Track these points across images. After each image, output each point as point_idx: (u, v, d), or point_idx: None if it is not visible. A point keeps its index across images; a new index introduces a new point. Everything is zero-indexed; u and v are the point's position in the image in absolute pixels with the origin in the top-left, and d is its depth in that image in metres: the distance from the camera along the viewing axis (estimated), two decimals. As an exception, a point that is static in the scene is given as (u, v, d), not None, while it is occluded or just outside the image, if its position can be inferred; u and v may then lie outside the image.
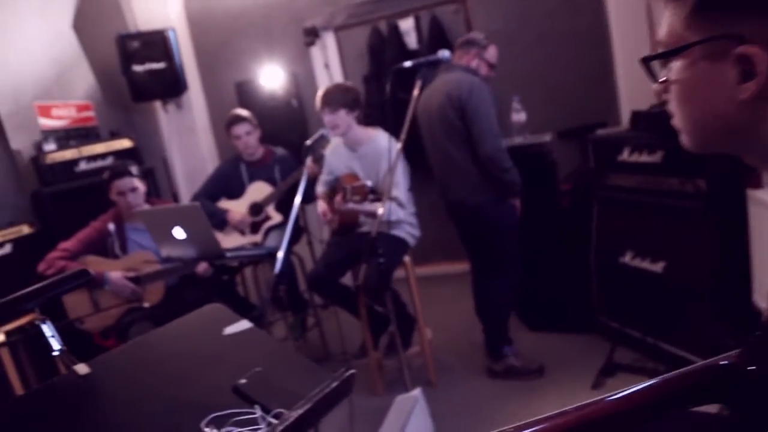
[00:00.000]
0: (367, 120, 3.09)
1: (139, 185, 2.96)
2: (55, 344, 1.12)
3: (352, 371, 1.09)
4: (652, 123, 2.52)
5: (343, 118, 2.86)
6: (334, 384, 1.04)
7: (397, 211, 2.82)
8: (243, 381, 1.04)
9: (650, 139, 2.47)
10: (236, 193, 3.46)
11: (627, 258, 2.63)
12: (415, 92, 2.43)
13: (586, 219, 2.86)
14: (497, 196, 2.67)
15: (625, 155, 2.61)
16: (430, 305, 3.48)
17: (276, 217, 3.41)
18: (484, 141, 2.57)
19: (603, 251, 2.79)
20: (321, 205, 2.99)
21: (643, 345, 2.58)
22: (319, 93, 2.90)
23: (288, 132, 4.30)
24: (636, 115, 2.66)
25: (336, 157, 3.05)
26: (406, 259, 2.95)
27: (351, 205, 2.68)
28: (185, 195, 4.39)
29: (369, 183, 2.48)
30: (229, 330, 1.29)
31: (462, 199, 2.73)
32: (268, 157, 3.51)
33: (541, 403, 2.53)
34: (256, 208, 3.41)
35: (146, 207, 2.98)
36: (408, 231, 2.97)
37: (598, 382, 2.58)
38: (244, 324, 1.31)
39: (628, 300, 2.64)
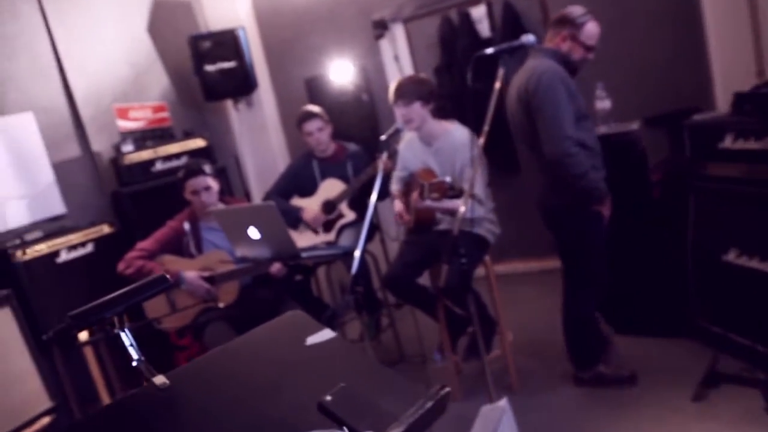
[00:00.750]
0: (441, 112, 3.05)
1: (213, 184, 2.97)
2: (134, 354, 1.10)
3: (447, 389, 1.02)
4: (759, 106, 2.34)
5: (418, 111, 2.82)
6: (429, 404, 0.96)
7: (477, 208, 2.78)
8: (329, 398, 0.96)
9: (758, 123, 2.31)
10: (308, 190, 3.48)
11: (731, 256, 2.46)
12: (497, 83, 2.32)
13: (679, 212, 2.72)
14: (576, 200, 2.49)
15: (727, 142, 2.45)
16: (509, 306, 3.42)
17: (349, 215, 3.41)
18: (547, 142, 2.40)
19: (702, 248, 2.62)
20: (398, 206, 2.97)
21: (752, 353, 2.39)
22: (392, 86, 2.87)
23: (359, 127, 4.30)
24: (740, 98, 2.48)
25: (410, 152, 3.02)
26: (486, 257, 2.91)
27: (429, 203, 2.63)
28: (257, 193, 4.43)
29: (448, 179, 2.40)
30: (312, 340, 1.21)
31: (541, 200, 2.63)
32: (340, 153, 3.52)
33: (637, 416, 2.39)
34: (329, 206, 3.42)
35: (220, 206, 2.99)
36: (488, 228, 2.92)
37: (699, 393, 2.44)
38: (326, 333, 1.23)
39: (733, 303, 2.46)
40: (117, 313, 1.07)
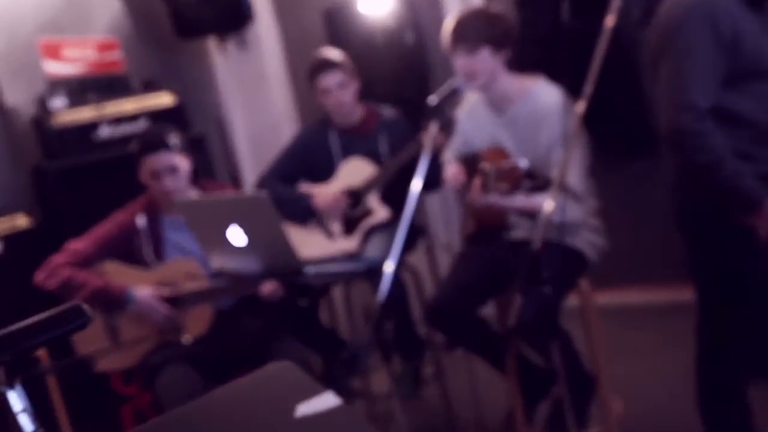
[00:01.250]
0: (521, 65, 3.12)
1: (182, 162, 3.04)
2: (27, 425, 1.04)
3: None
4: None
5: (486, 61, 2.91)
6: None
7: (573, 208, 2.79)
8: None
9: None
10: (323, 173, 3.60)
11: None
12: (609, 18, 2.28)
13: None
14: (714, 205, 2.41)
15: None
16: (617, 357, 3.42)
17: (381, 213, 3.48)
18: (663, 110, 2.37)
19: None
20: (451, 169, 3.07)
21: None
22: (449, 24, 2.94)
23: (400, 83, 4.34)
24: None
25: (473, 122, 3.11)
26: (582, 282, 2.96)
27: (496, 198, 2.70)
28: (250, 175, 4.51)
29: (523, 162, 2.47)
30: (305, 409, 1.18)
31: (674, 197, 2.58)
32: (370, 120, 3.63)
33: None
34: (353, 198, 3.54)
35: (192, 194, 3.08)
36: (587, 239, 2.96)
37: None
38: (327, 400, 1.20)
39: None
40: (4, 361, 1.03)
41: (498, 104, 3.03)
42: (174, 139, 3.06)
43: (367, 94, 3.77)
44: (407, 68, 4.40)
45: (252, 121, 4.67)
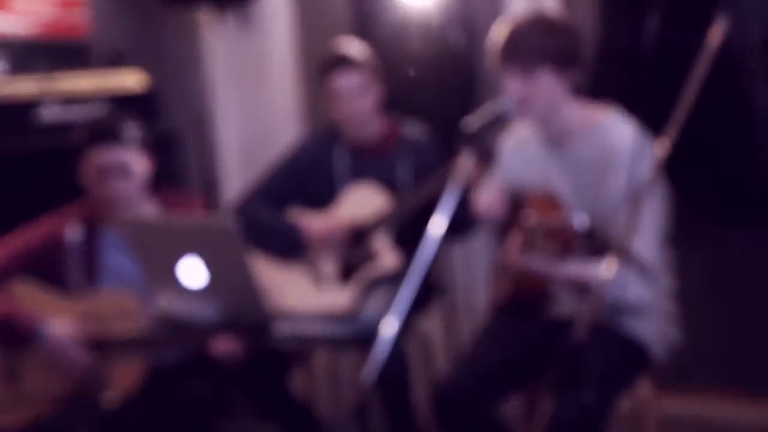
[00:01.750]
0: (595, 90, 3.21)
1: (138, 162, 3.06)
2: None
3: None
4: None
5: (545, 85, 2.89)
6: None
7: (638, 285, 2.70)
8: None
9: None
10: (323, 199, 3.64)
11: None
12: (713, 34, 2.28)
13: None
14: None
15: None
16: None
17: (389, 260, 3.48)
18: None
19: None
20: (487, 197, 3.08)
21: None
22: (498, 32, 2.91)
23: (439, 95, 4.36)
24: None
25: (522, 159, 3.12)
26: (642, 382, 2.95)
27: (539, 263, 2.74)
28: (232, 188, 4.50)
29: (580, 219, 2.43)
30: None
31: None
32: (390, 138, 3.66)
33: None
34: (357, 235, 3.55)
35: (147, 208, 3.11)
36: (654, 327, 2.90)
37: None
38: None
39: None
40: None
41: (556, 139, 3.01)
42: (133, 131, 3.08)
43: (392, 105, 3.78)
44: (450, 76, 4.40)
45: (244, 120, 4.70)
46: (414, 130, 3.70)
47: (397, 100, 3.90)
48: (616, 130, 2.92)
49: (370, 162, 3.63)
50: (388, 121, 3.70)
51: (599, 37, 4.17)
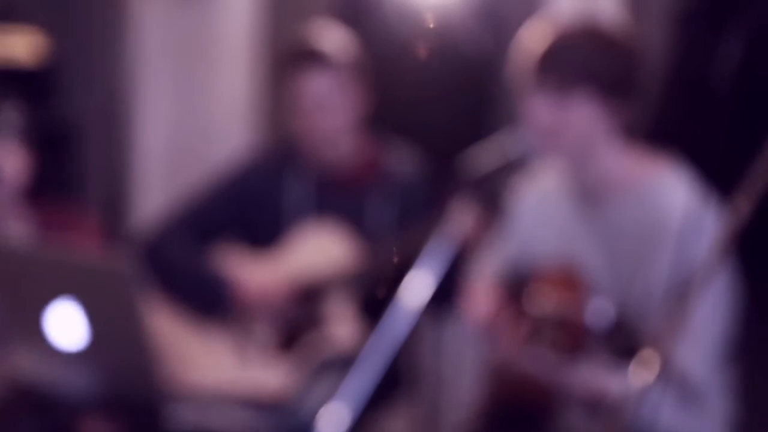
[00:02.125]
0: (653, 133, 3.21)
1: (7, 161, 3.00)
2: None
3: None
4: None
5: (584, 115, 2.82)
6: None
7: (681, 409, 2.65)
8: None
9: None
10: (267, 237, 3.54)
11: None
12: None
13: None
14: None
15: None
16: None
17: (347, 332, 3.39)
18: None
19: None
20: (478, 290, 3.10)
21: None
22: (532, 37, 2.86)
23: (440, 114, 4.38)
24: None
25: (542, 217, 3.06)
26: None
27: (544, 362, 2.66)
28: (149, 204, 4.49)
29: (604, 307, 2.52)
30: None
31: None
32: (368, 168, 3.59)
33: None
34: (308, 294, 3.46)
35: (15, 228, 3.07)
36: None
37: None
38: None
39: None
40: None
41: (588, 194, 2.93)
42: (8, 115, 3.06)
43: (379, 121, 3.68)
44: (459, 92, 4.44)
45: (175, 117, 4.60)
46: (402, 160, 3.61)
47: (387, 115, 3.80)
48: (668, 192, 2.84)
49: (336, 197, 3.53)
50: (369, 143, 3.61)
51: (666, 65, 4.17)
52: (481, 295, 3.07)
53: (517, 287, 2.96)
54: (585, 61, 2.81)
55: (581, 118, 2.80)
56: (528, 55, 2.84)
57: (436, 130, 4.30)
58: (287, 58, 3.57)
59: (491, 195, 2.99)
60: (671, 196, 2.82)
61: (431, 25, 4.52)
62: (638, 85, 2.89)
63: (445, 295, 3.00)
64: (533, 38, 2.87)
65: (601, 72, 2.80)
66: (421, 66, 4.43)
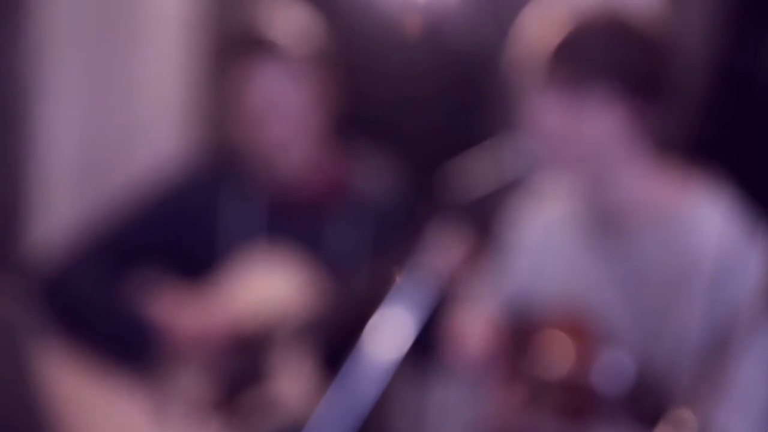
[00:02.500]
0: (692, 147, 3.35)
1: None
2: None
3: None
4: None
5: (602, 120, 2.81)
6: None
7: None
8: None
9: None
10: (202, 268, 3.51)
11: None
12: None
13: None
14: None
15: None
16: None
17: (297, 390, 3.36)
18: None
19: None
20: (474, 327, 3.04)
21: None
22: (543, 26, 2.85)
23: (425, 119, 4.48)
24: None
25: (549, 249, 3.03)
26: None
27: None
28: (50, 230, 4.39)
29: (621, 361, 2.54)
30: None
31: None
32: (331, 185, 3.59)
33: None
34: (250, 341, 3.43)
35: None
36: None
37: None
38: None
39: None
40: None
41: (606, 222, 2.89)
42: None
43: (350, 129, 3.70)
44: (451, 90, 4.48)
45: (87, 114, 4.56)
46: (374, 175, 3.59)
47: (359, 120, 3.92)
48: (704, 224, 2.80)
49: (290, 220, 3.50)
50: (334, 155, 3.59)
51: (709, 63, 4.18)
52: (473, 341, 2.99)
53: (516, 333, 2.91)
54: (607, 55, 2.78)
55: (600, 123, 2.76)
56: (537, 45, 2.80)
57: (419, 139, 4.37)
58: (232, 46, 3.56)
59: (484, 219, 3.02)
60: (708, 229, 2.78)
61: (417, 11, 4.49)
62: (670, 86, 2.86)
63: (428, 345, 2.98)
64: (543, 25, 2.83)
65: (626, 68, 2.77)
66: (402, 59, 4.59)
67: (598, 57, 2.78)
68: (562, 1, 3.10)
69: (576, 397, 2.52)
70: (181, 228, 3.52)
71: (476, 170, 2.84)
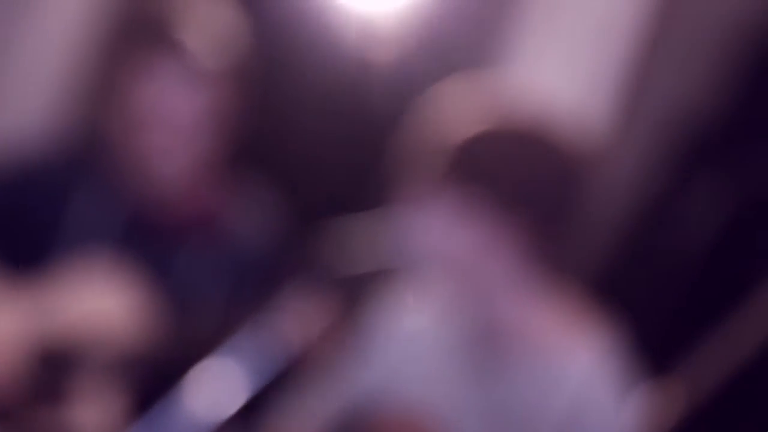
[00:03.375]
0: (591, 283, 3.36)
1: None
2: None
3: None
4: None
5: (493, 241, 2.81)
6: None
7: None
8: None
9: None
10: (26, 263, 3.33)
11: None
12: None
13: None
14: None
15: None
16: None
17: (95, 419, 3.20)
18: None
19: None
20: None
21: None
22: (444, 124, 2.80)
23: (329, 161, 4.55)
24: None
25: (418, 348, 2.95)
26: None
27: None
28: None
29: None
30: None
31: None
32: (200, 210, 3.47)
33: None
34: (57, 356, 3.24)
35: None
36: None
37: None
38: None
39: None
40: None
41: (480, 340, 2.81)
42: None
43: (240, 153, 3.60)
44: (366, 151, 4.41)
45: None
46: (251, 211, 3.46)
47: (252, 144, 3.76)
48: (584, 371, 2.77)
49: (143, 236, 3.34)
50: (215, 181, 3.46)
51: (638, 204, 4.29)
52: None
53: None
54: (509, 167, 2.71)
55: (489, 236, 2.68)
56: (439, 135, 2.74)
57: (310, 190, 4.31)
58: (135, 35, 3.44)
59: (353, 299, 2.96)
60: (588, 376, 2.72)
61: (351, 56, 4.53)
62: (577, 214, 2.81)
63: (254, 415, 2.90)
64: (453, 114, 2.78)
65: (528, 185, 2.72)
66: (318, 103, 4.54)
67: (499, 167, 2.71)
68: (482, 91, 3.00)
69: None
70: (21, 208, 3.31)
71: (360, 240, 2.86)
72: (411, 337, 2.87)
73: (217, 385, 2.62)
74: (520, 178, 2.70)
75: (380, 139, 4.20)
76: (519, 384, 2.72)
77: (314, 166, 4.51)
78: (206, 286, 3.34)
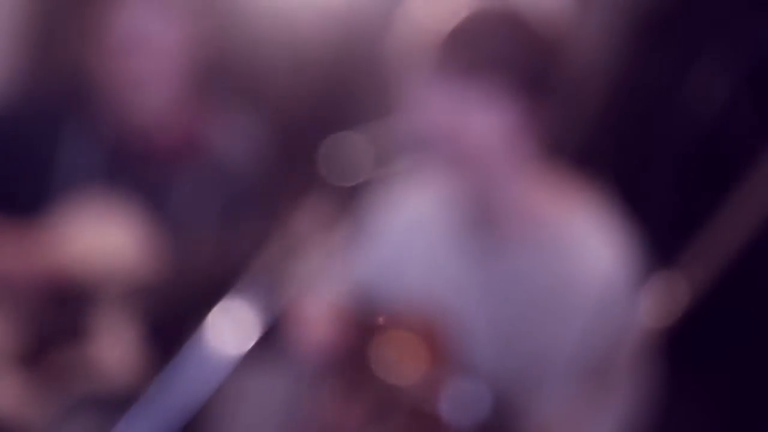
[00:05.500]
0: (585, 156, 3.38)
1: None
2: None
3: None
4: None
5: (492, 117, 2.79)
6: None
7: None
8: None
9: None
10: (26, 206, 3.39)
11: None
12: None
13: None
14: None
15: None
16: None
17: (118, 357, 3.27)
18: None
19: None
20: (314, 318, 2.99)
21: None
22: (431, 16, 2.85)
23: (307, 80, 4.53)
24: None
25: (419, 236, 3.00)
26: None
27: None
28: None
29: (478, 389, 2.53)
30: None
31: None
32: (186, 136, 3.50)
33: None
34: (74, 294, 3.31)
35: None
36: None
37: None
38: None
39: None
40: None
41: (484, 227, 2.84)
42: None
43: (219, 79, 3.77)
44: (346, 66, 4.54)
45: None
46: (235, 134, 3.53)
47: (231, 70, 4.00)
48: (587, 244, 2.81)
49: (135, 167, 3.41)
50: (197, 107, 3.50)
51: (616, 75, 4.15)
52: (315, 328, 2.92)
53: (363, 327, 2.86)
54: (499, 47, 2.74)
55: (487, 118, 2.72)
56: (426, 30, 2.78)
57: (296, 100, 4.35)
58: None
59: (350, 201, 2.99)
60: (589, 254, 2.78)
61: None
62: (564, 90, 2.83)
63: (269, 336, 2.91)
64: (436, 9, 2.81)
65: (517, 63, 2.73)
66: (293, 22, 4.55)
67: (490, 48, 2.74)
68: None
69: (421, 427, 2.49)
70: (9, 158, 3.39)
71: (351, 151, 2.87)
72: (412, 224, 2.92)
73: (231, 316, 2.63)
74: (513, 55, 2.72)
75: (368, 55, 4.29)
76: (526, 265, 2.75)
77: (302, 85, 4.51)
78: (199, 211, 3.40)
